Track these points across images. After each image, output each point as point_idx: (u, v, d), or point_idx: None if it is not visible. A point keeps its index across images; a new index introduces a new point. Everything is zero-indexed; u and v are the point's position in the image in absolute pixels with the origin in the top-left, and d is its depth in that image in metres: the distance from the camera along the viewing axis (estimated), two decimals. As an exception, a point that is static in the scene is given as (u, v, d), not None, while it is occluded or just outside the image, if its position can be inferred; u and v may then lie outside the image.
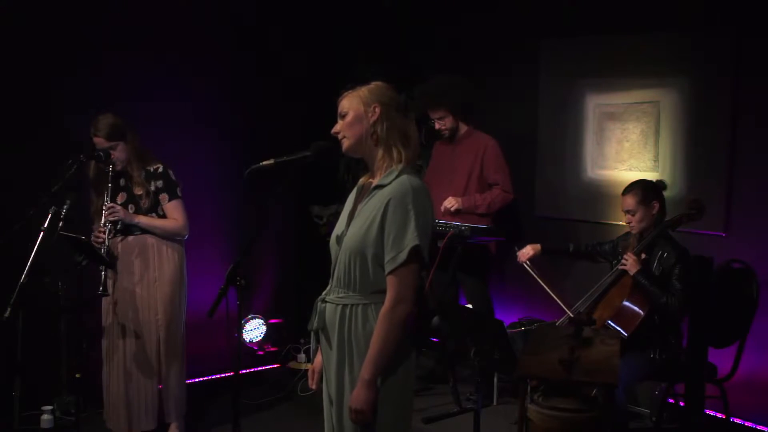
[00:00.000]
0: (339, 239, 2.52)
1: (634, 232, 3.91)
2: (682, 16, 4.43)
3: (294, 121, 5.47)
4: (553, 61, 5.06)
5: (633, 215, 3.87)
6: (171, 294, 3.95)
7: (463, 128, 4.83)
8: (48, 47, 4.49)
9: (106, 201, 3.80)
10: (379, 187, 2.46)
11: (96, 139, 3.81)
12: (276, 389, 4.99)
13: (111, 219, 3.78)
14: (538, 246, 4.30)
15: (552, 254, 4.34)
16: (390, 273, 2.39)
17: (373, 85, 2.53)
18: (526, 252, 4.29)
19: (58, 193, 3.67)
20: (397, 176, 2.44)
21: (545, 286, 4.06)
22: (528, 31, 5.14)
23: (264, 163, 2.63)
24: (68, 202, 3.67)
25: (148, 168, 3.94)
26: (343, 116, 2.51)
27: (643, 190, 3.86)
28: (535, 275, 4.15)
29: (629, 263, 3.78)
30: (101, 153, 3.81)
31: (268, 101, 5.50)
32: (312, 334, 2.61)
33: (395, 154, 2.47)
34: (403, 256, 2.37)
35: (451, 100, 4.72)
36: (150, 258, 3.92)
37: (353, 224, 2.50)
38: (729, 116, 4.27)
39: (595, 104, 4.86)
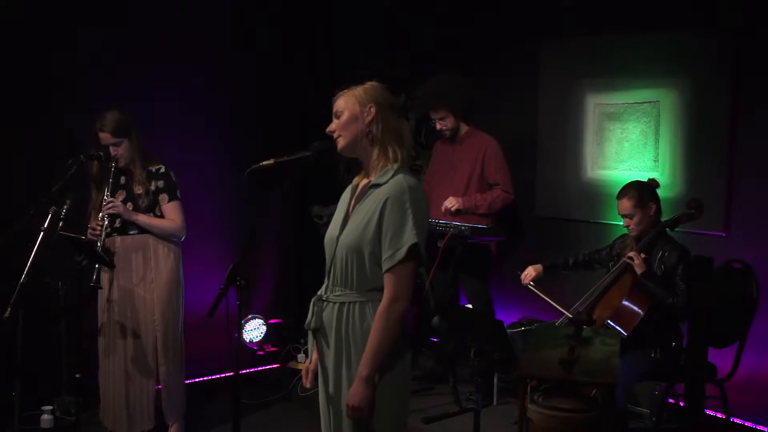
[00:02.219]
0: (335, 238, 2.53)
1: (633, 234, 3.90)
2: (682, 16, 4.43)
3: (294, 121, 5.47)
4: (553, 61, 5.06)
5: (631, 219, 3.85)
6: (167, 294, 3.95)
7: (464, 128, 4.83)
8: (48, 47, 4.49)
9: (106, 196, 3.80)
10: (375, 186, 2.48)
11: (102, 134, 3.82)
12: (276, 389, 4.99)
13: (109, 213, 3.78)
14: (539, 266, 4.21)
15: (553, 271, 4.27)
16: (387, 270, 2.41)
17: (369, 84, 2.55)
18: (529, 274, 4.21)
19: (58, 193, 3.68)
20: (393, 175, 2.47)
21: (552, 302, 4.03)
22: (528, 31, 5.14)
23: (264, 163, 2.64)
24: (68, 202, 3.68)
25: (150, 168, 3.95)
26: (339, 116, 2.53)
27: (639, 192, 3.84)
28: (540, 294, 4.09)
29: (637, 262, 3.75)
30: (101, 153, 3.83)
31: (268, 101, 5.50)
32: (309, 333, 2.61)
33: (391, 154, 2.50)
34: (402, 253, 2.39)
35: (452, 100, 4.71)
36: (147, 258, 3.93)
37: (350, 223, 2.51)
38: (729, 116, 4.27)
39: (595, 104, 4.86)
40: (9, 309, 3.48)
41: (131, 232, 3.91)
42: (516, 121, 5.26)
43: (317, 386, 2.64)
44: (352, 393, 2.41)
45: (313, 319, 2.56)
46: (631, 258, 3.78)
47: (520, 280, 4.25)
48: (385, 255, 2.41)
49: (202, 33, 5.15)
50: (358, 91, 2.53)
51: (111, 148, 3.84)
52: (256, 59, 5.43)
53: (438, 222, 4.49)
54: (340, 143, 2.53)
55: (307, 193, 5.51)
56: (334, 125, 2.54)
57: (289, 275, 5.81)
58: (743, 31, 4.19)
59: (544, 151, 5.15)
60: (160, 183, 3.94)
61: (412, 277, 2.44)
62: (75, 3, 4.57)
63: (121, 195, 3.91)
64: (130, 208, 3.88)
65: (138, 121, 3.97)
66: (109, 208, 3.78)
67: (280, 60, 5.54)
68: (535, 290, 4.14)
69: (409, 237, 2.39)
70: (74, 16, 4.57)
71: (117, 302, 3.91)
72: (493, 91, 5.26)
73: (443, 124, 4.79)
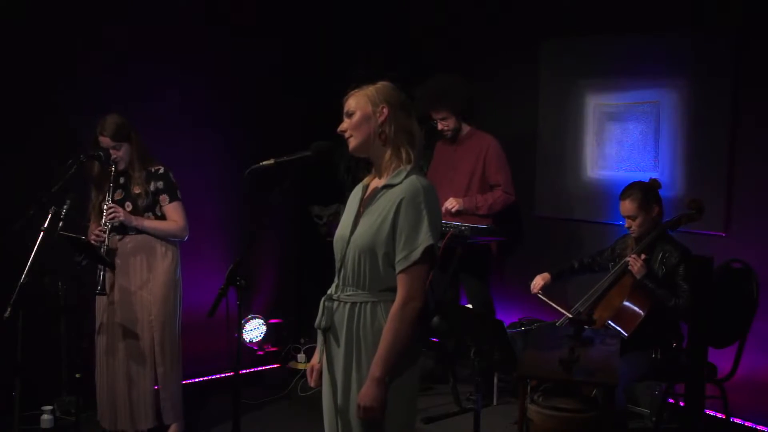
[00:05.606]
0: (345, 238, 2.52)
1: (634, 236, 3.89)
2: (682, 16, 4.43)
3: (294, 121, 5.47)
4: (553, 61, 5.06)
5: (633, 220, 3.83)
6: (165, 294, 3.95)
7: (465, 128, 4.83)
8: (49, 48, 4.49)
9: (107, 201, 3.80)
10: (388, 186, 2.48)
11: (102, 138, 3.83)
12: (276, 389, 4.99)
13: (111, 220, 3.78)
14: (547, 275, 4.16)
15: (562, 278, 4.24)
16: (401, 271, 2.41)
17: (381, 84, 2.54)
18: (537, 283, 4.15)
19: (58, 193, 3.68)
20: (406, 176, 2.46)
21: (560, 309, 4.00)
22: (528, 31, 5.14)
23: (264, 163, 2.64)
24: (68, 202, 3.68)
25: (150, 169, 3.95)
26: (350, 115, 2.51)
27: (642, 194, 3.83)
28: (550, 302, 4.06)
29: (636, 267, 3.75)
30: (101, 153, 3.83)
31: (268, 101, 5.50)
32: (318, 332, 2.61)
33: (403, 155, 2.49)
34: (417, 254, 2.38)
35: (454, 100, 4.71)
36: (145, 258, 3.93)
37: (361, 223, 2.50)
38: (729, 116, 4.27)
39: (595, 104, 4.86)
40: (9, 309, 3.48)
41: (130, 233, 3.91)
42: (516, 121, 5.26)
43: (321, 385, 2.64)
44: (364, 393, 2.41)
45: (324, 318, 2.55)
46: (632, 264, 3.77)
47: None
48: (399, 256, 2.41)
49: (202, 33, 5.15)
50: (370, 90, 2.51)
51: (111, 151, 3.85)
52: (256, 59, 5.43)
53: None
54: (352, 143, 2.52)
55: (307, 193, 5.51)
56: (345, 125, 2.52)
57: (289, 275, 5.81)
58: (743, 31, 4.19)
59: (544, 151, 5.15)
60: (160, 184, 3.94)
61: (426, 278, 2.43)
62: (76, 4, 4.57)
63: (119, 195, 3.92)
64: (129, 209, 3.89)
65: (138, 121, 3.98)
66: (111, 216, 3.78)
67: (280, 60, 5.54)
68: (545, 298, 4.09)
69: (425, 238, 2.39)
70: (75, 16, 4.57)
71: (117, 303, 3.91)
72: (493, 91, 5.27)
73: (445, 124, 4.78)
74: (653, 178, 3.97)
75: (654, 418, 4.23)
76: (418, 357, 2.52)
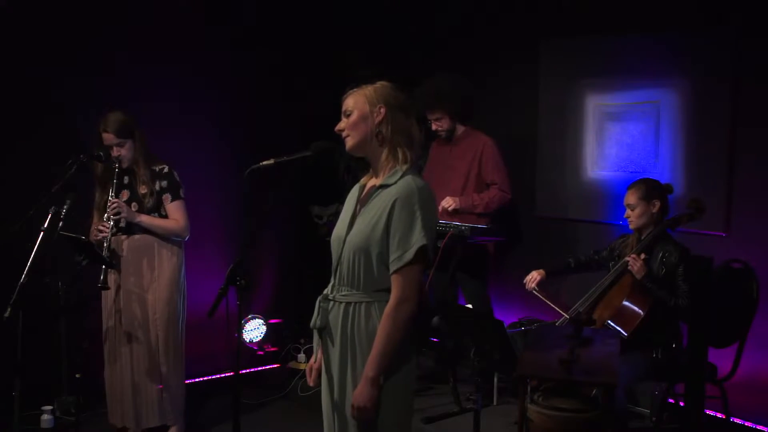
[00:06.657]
0: (342, 238, 2.53)
1: (631, 227, 3.92)
2: (682, 16, 4.43)
3: (294, 121, 5.47)
4: (553, 61, 5.06)
5: (632, 210, 3.88)
6: (169, 294, 3.96)
7: (460, 128, 4.83)
8: (49, 47, 4.49)
9: (111, 196, 3.80)
10: (384, 186, 2.48)
11: (105, 135, 3.83)
12: (276, 389, 4.99)
13: (113, 214, 3.79)
14: (542, 271, 4.18)
15: (557, 275, 4.25)
16: (395, 272, 2.41)
17: (379, 84, 2.54)
18: (533, 278, 4.16)
19: (58, 193, 3.68)
20: (401, 176, 2.46)
21: (554, 306, 4.03)
22: (528, 31, 5.14)
23: (264, 163, 2.64)
24: (68, 202, 3.68)
25: (154, 168, 3.95)
26: (348, 115, 2.52)
27: (647, 187, 3.87)
28: (544, 299, 4.09)
29: (636, 267, 3.76)
30: (101, 153, 3.83)
31: (268, 101, 5.50)
32: (314, 332, 2.61)
33: (400, 155, 2.49)
34: (410, 255, 2.39)
35: (449, 101, 4.70)
36: (150, 258, 3.93)
37: (357, 223, 2.51)
38: (729, 116, 4.27)
39: (595, 104, 4.86)
40: (9, 309, 3.48)
41: (136, 233, 3.92)
42: (516, 121, 5.26)
43: (320, 385, 2.65)
44: (358, 393, 2.41)
45: (319, 318, 2.56)
46: (632, 264, 3.78)
47: (520, 281, 4.24)
48: (392, 256, 2.41)
49: (202, 33, 5.15)
50: (369, 90, 2.51)
51: (114, 149, 3.85)
52: (256, 59, 5.43)
53: (438, 222, 4.49)
54: (349, 143, 2.52)
55: (307, 193, 5.51)
56: (342, 124, 2.52)
57: (289, 275, 5.81)
58: (743, 31, 4.19)
59: (544, 151, 5.15)
60: (164, 183, 3.94)
61: (420, 278, 2.44)
62: (76, 3, 4.57)
63: (126, 194, 3.92)
64: (135, 209, 3.89)
65: (139, 121, 3.98)
66: (114, 210, 3.78)
67: (280, 60, 5.54)
68: (539, 295, 4.12)
69: (418, 239, 2.39)
70: (75, 16, 4.57)
71: (124, 304, 3.92)
72: (493, 91, 5.27)
73: (439, 124, 4.78)
74: (669, 183, 3.99)
75: (654, 418, 4.22)
76: (413, 357, 2.52)
